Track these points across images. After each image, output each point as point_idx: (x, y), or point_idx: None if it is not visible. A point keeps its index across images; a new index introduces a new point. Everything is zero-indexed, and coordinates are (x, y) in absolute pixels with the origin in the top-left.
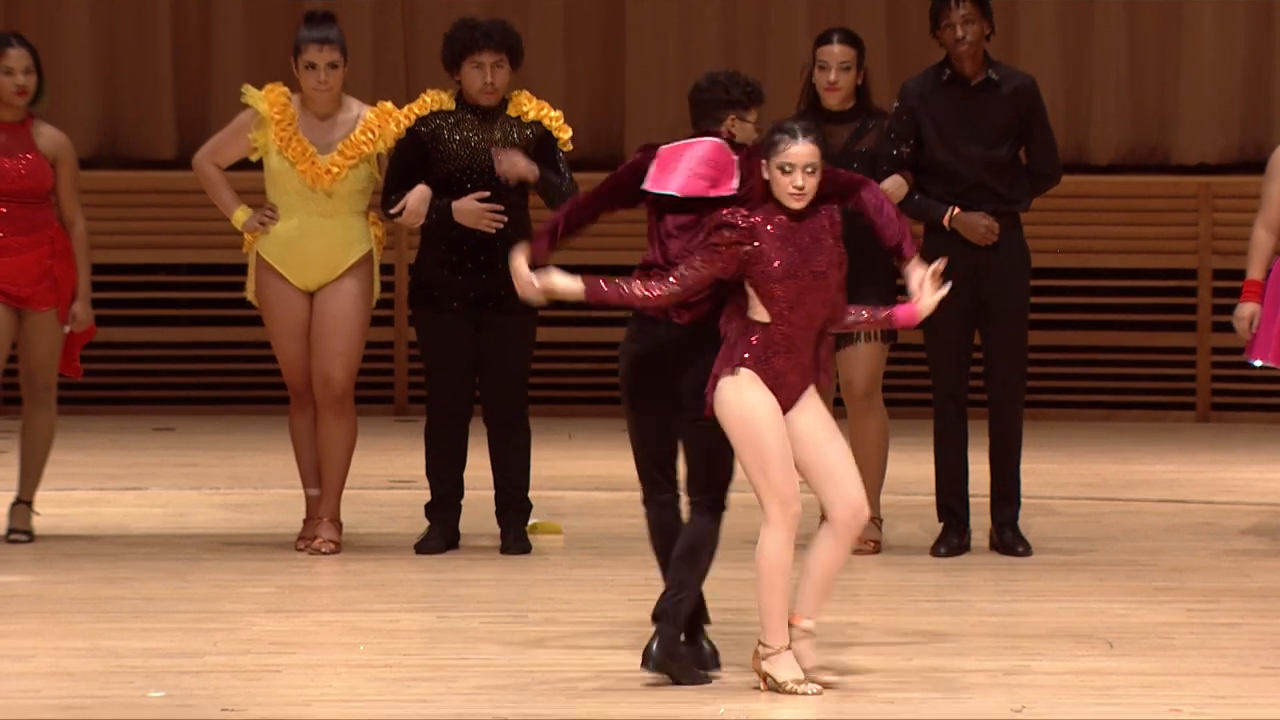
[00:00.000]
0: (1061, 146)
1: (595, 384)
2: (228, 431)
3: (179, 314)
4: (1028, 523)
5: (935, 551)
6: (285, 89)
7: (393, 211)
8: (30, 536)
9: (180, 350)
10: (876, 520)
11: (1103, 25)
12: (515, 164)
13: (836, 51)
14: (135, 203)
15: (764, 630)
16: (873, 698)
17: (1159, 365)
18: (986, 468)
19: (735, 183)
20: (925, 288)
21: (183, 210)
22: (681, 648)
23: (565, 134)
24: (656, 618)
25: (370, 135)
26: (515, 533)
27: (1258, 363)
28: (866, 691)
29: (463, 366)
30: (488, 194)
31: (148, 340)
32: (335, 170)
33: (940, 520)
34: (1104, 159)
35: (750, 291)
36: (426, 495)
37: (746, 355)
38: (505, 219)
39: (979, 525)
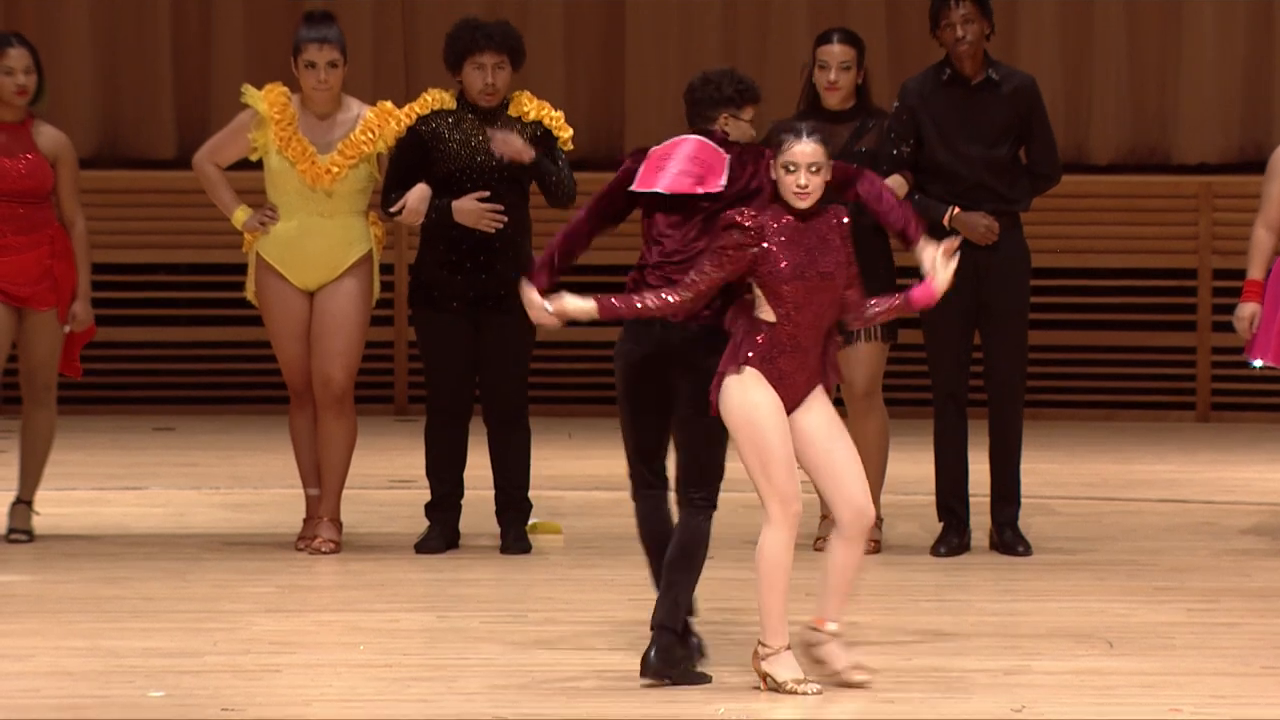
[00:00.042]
0: (1061, 146)
1: (595, 384)
2: (228, 431)
3: (179, 314)
4: (1028, 522)
5: (935, 551)
6: (285, 89)
7: (392, 210)
8: (30, 536)
9: (180, 350)
10: (877, 520)
11: (1103, 25)
12: (510, 142)
13: (836, 51)
14: (135, 203)
15: (764, 630)
16: (873, 698)
17: (1159, 365)
18: (986, 468)
19: (723, 180)
20: (938, 264)
21: (183, 210)
22: (679, 651)
23: (566, 133)
24: (654, 626)
25: (370, 135)
26: (515, 532)
27: (1258, 363)
28: (866, 691)
29: (462, 366)
30: (487, 194)
31: (148, 340)
32: (335, 170)
33: (940, 520)
34: (1104, 159)
35: (757, 291)
36: (426, 495)
37: (751, 354)
38: (505, 219)
39: (979, 525)
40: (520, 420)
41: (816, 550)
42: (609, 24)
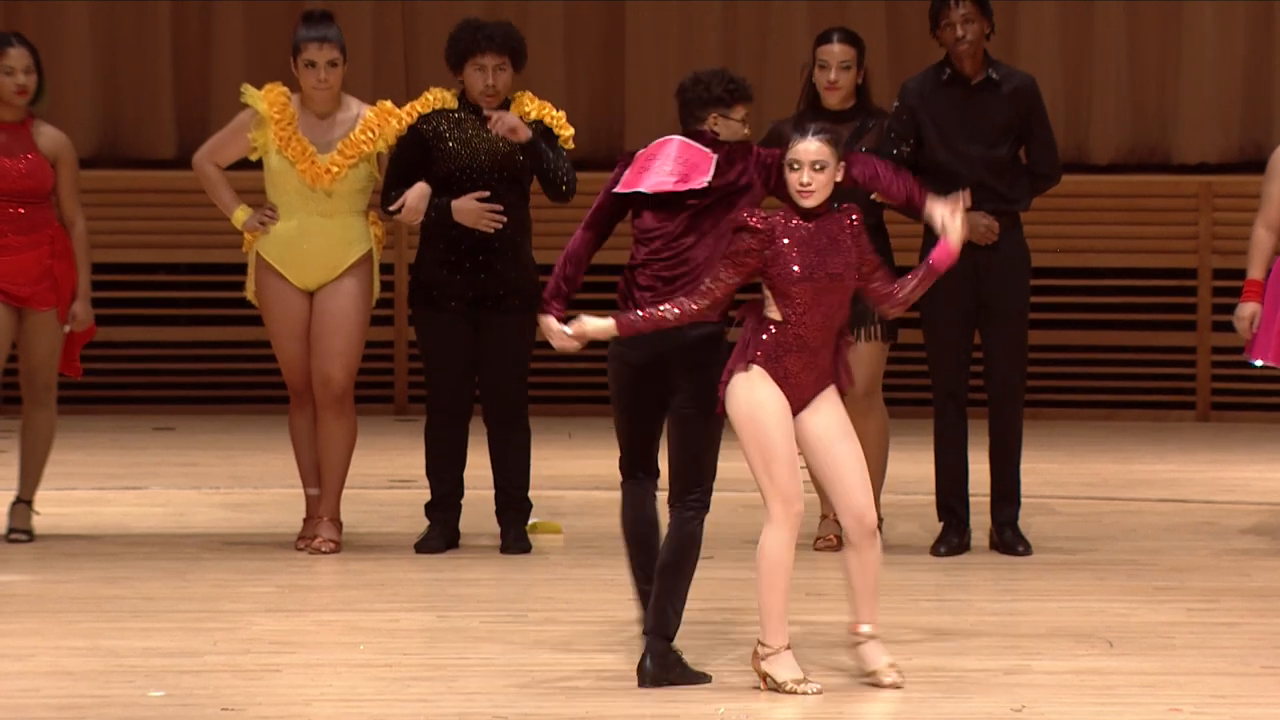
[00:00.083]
0: (1061, 146)
1: (595, 384)
2: (228, 431)
3: (179, 313)
4: (1028, 522)
5: (935, 551)
6: (285, 89)
7: (391, 208)
8: (30, 536)
9: (180, 350)
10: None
11: (1103, 25)
12: (505, 120)
13: (836, 51)
14: (135, 203)
15: (763, 630)
16: (873, 697)
17: (1159, 365)
18: (986, 467)
19: (707, 178)
20: (948, 224)
21: (183, 210)
22: (673, 656)
23: (567, 132)
24: (647, 632)
25: (370, 134)
26: (515, 532)
27: (1258, 362)
28: (867, 691)
29: (461, 366)
30: (487, 194)
31: (148, 340)
32: (335, 169)
33: (940, 520)
34: (1104, 159)
35: (766, 290)
36: (426, 495)
37: (759, 352)
38: (504, 219)
39: (979, 525)
40: (520, 420)
41: (816, 550)
42: (609, 24)
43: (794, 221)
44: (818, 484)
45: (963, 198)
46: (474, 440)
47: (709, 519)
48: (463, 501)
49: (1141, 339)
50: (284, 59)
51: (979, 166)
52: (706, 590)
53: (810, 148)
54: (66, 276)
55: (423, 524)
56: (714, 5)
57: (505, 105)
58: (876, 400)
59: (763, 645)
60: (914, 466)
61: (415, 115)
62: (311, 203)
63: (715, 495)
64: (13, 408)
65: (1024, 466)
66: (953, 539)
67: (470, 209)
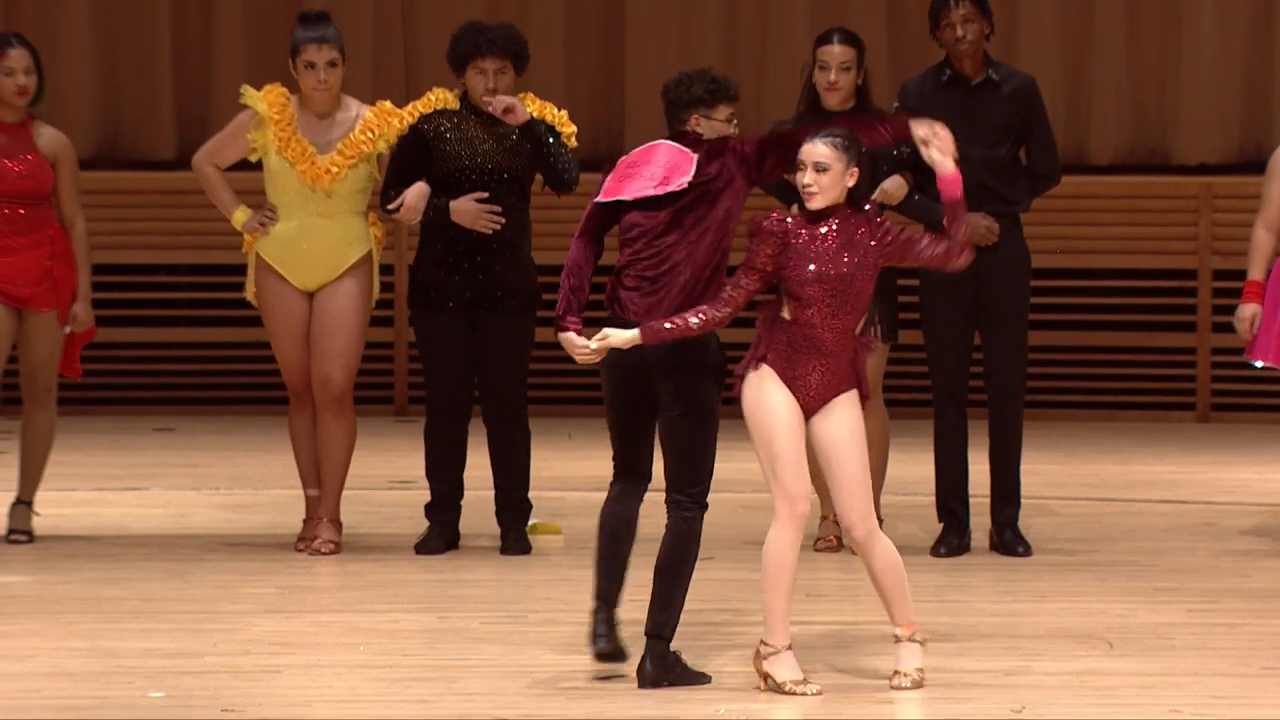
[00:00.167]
0: (1061, 147)
1: (595, 384)
2: (228, 432)
3: (179, 314)
4: (1028, 523)
5: (935, 552)
6: (284, 89)
7: (390, 207)
8: (30, 537)
9: (180, 351)
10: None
11: (1103, 25)
12: (502, 99)
13: (836, 51)
14: (135, 203)
15: (766, 629)
16: (873, 698)
17: (1159, 365)
18: (986, 468)
19: (688, 178)
20: (934, 159)
21: (183, 210)
22: (673, 656)
23: (570, 129)
24: (647, 633)
25: (369, 134)
26: (515, 533)
27: (1258, 363)
28: (866, 691)
29: (460, 367)
30: (486, 194)
31: (148, 341)
32: (334, 170)
33: (940, 521)
34: (1104, 159)
35: (782, 290)
36: (426, 496)
37: (770, 353)
38: (503, 220)
39: (979, 526)
40: (520, 421)
41: (816, 551)
42: (609, 24)
43: (808, 222)
44: (819, 486)
45: (937, 127)
46: (474, 441)
47: (709, 519)
48: (462, 502)
49: (1141, 340)
50: (284, 59)
51: (979, 167)
52: (706, 590)
53: (813, 149)
54: (67, 277)
55: (422, 525)
56: (714, 5)
57: None
58: (877, 401)
59: (764, 645)
60: (914, 467)
61: (417, 115)
62: (311, 203)
63: (715, 496)
64: (13, 409)
65: (1024, 467)
66: (953, 540)
67: (468, 210)
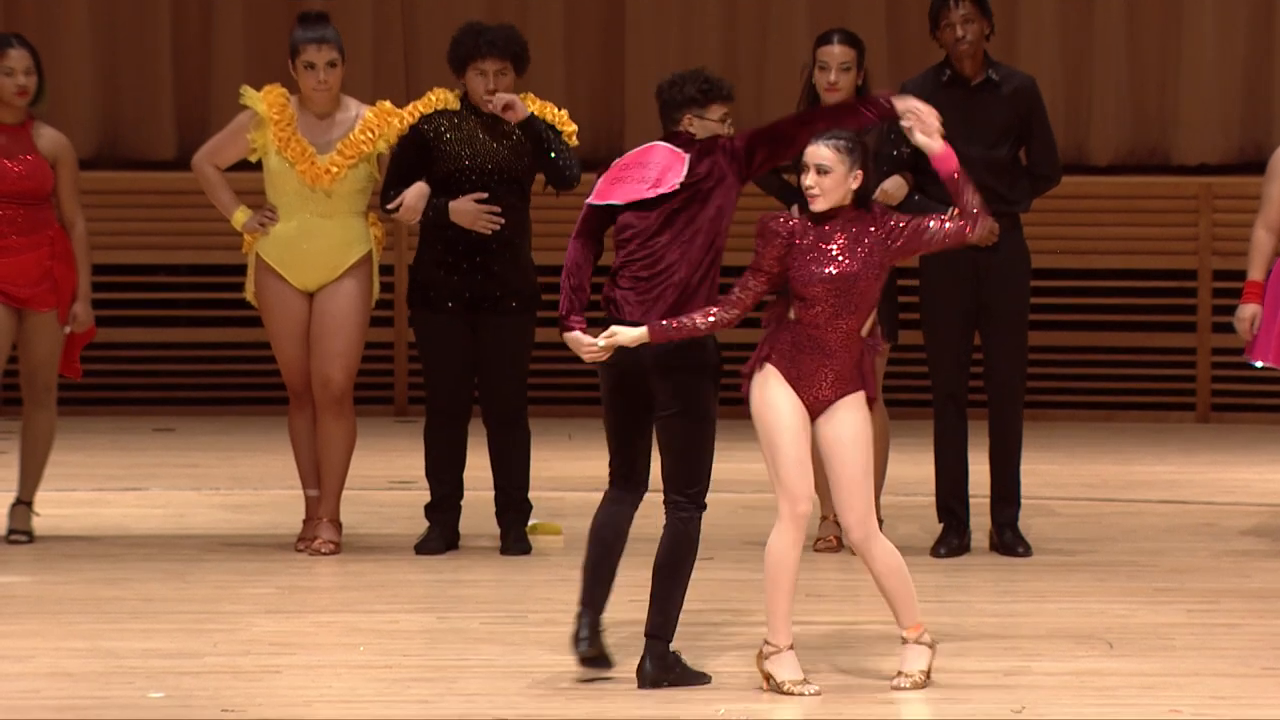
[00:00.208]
0: (1061, 147)
1: (595, 384)
2: (228, 432)
3: (179, 315)
4: (1028, 523)
5: (935, 552)
6: (283, 90)
7: (390, 207)
8: (30, 537)
9: (180, 351)
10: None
11: (1103, 26)
12: (501, 96)
13: (836, 52)
14: (135, 203)
15: (768, 628)
16: (873, 698)
17: (1159, 366)
18: (986, 468)
19: (679, 178)
20: (922, 142)
21: (183, 211)
22: (673, 656)
23: (571, 127)
24: (646, 634)
25: (369, 134)
26: (515, 533)
27: (1258, 364)
28: (866, 691)
29: (460, 367)
30: (485, 195)
31: (148, 341)
32: (334, 170)
33: (940, 521)
34: (1104, 159)
35: (789, 290)
36: (426, 496)
37: (775, 353)
38: (502, 220)
39: (979, 526)
40: (520, 421)
41: (816, 551)
42: (609, 24)
43: (813, 223)
44: (820, 486)
45: (914, 103)
46: (474, 441)
47: (709, 519)
48: (462, 503)
49: (1141, 340)
50: (284, 59)
51: (979, 167)
52: (706, 590)
53: (815, 151)
54: (67, 278)
55: (422, 525)
56: (714, 5)
57: None
58: (877, 401)
59: (767, 644)
60: (914, 468)
61: (417, 115)
62: (311, 203)
63: (715, 496)
64: (13, 409)
65: (1024, 468)
66: (953, 540)
67: (467, 210)
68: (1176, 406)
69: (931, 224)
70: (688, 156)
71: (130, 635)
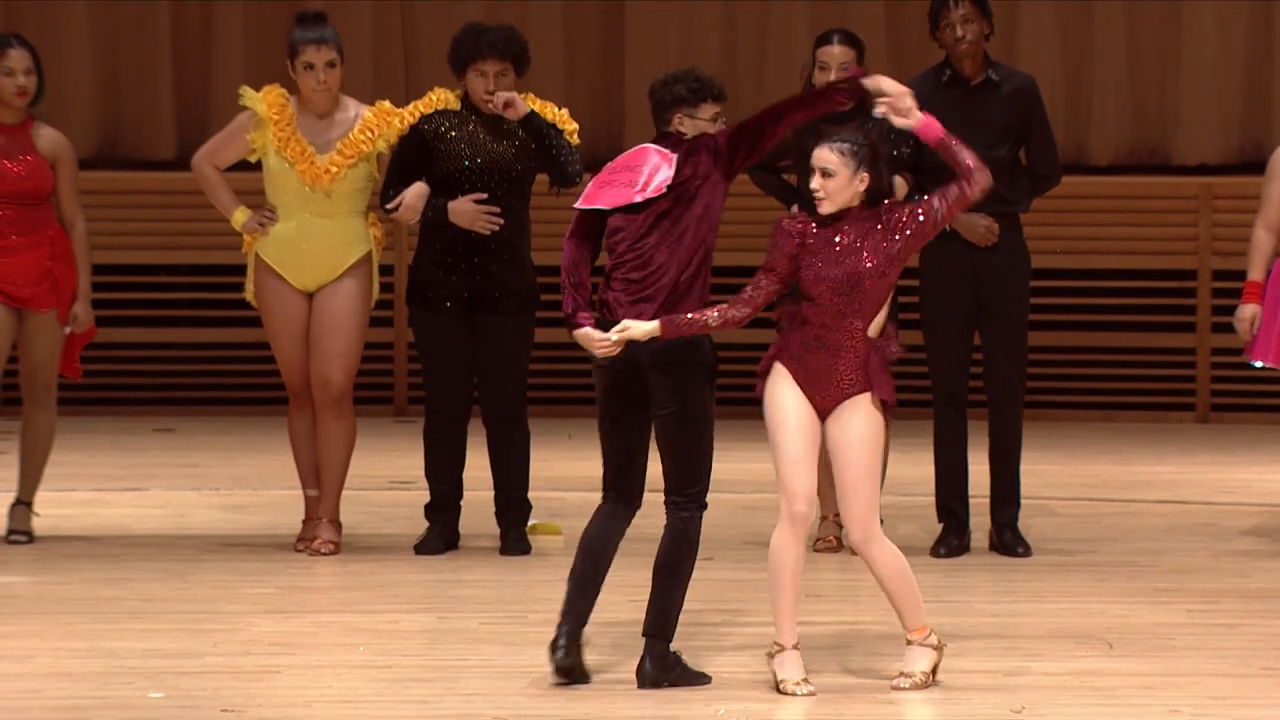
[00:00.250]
0: (1061, 147)
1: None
2: (228, 432)
3: (179, 315)
4: (1028, 523)
5: (935, 552)
6: (283, 90)
7: (389, 206)
8: (30, 537)
9: (180, 351)
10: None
11: (1103, 26)
12: (501, 95)
13: (836, 52)
14: (135, 203)
15: (775, 628)
16: (873, 698)
17: (1159, 366)
18: (986, 468)
19: (667, 180)
20: (895, 120)
21: (183, 211)
22: (672, 656)
23: (572, 126)
24: (646, 634)
25: (369, 134)
26: (515, 533)
27: (1258, 364)
28: (866, 691)
29: (459, 367)
30: (484, 195)
31: (148, 341)
32: (334, 170)
33: (940, 521)
34: (1104, 160)
35: (799, 290)
36: (426, 496)
37: (785, 352)
38: (501, 221)
39: (979, 526)
40: (519, 421)
41: (816, 551)
42: (609, 24)
43: (822, 223)
44: (821, 486)
45: (882, 82)
46: (473, 441)
47: (709, 519)
48: (462, 503)
49: (1141, 340)
50: (284, 59)
51: None
52: (706, 590)
53: (819, 154)
54: (67, 278)
55: (422, 525)
56: (714, 5)
57: None
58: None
59: (775, 643)
60: (914, 468)
61: (417, 115)
62: (311, 203)
63: (715, 496)
64: (13, 409)
65: (1024, 468)
66: (952, 540)
67: (466, 210)
68: (1176, 406)
69: (935, 201)
70: (675, 157)
71: (130, 635)
